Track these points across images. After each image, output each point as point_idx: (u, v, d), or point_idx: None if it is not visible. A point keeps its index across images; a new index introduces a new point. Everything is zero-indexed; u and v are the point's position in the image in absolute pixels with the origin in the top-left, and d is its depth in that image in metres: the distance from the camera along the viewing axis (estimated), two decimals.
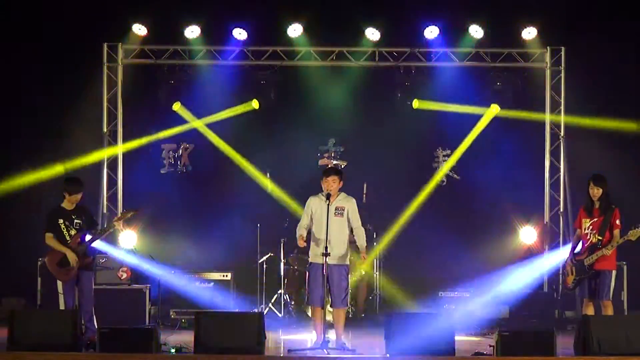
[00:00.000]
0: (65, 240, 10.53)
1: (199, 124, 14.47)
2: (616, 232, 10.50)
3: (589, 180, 10.72)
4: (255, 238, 13.69)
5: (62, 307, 10.65)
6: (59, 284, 10.61)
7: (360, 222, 10.50)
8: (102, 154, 14.30)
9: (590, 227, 10.59)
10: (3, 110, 14.14)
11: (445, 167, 14.65)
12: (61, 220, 10.58)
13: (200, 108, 14.51)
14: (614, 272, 10.57)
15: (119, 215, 10.94)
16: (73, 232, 10.58)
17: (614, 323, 9.85)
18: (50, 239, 10.55)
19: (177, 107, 14.37)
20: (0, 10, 13.72)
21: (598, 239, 10.50)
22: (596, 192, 10.59)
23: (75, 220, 10.61)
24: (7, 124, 14.24)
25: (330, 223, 10.32)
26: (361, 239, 10.48)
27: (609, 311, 10.45)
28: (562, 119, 14.38)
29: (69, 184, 10.71)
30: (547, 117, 14.43)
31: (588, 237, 10.60)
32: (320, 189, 10.54)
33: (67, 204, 10.66)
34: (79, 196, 10.68)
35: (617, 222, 10.51)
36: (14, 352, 9.49)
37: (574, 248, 10.81)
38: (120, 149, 14.45)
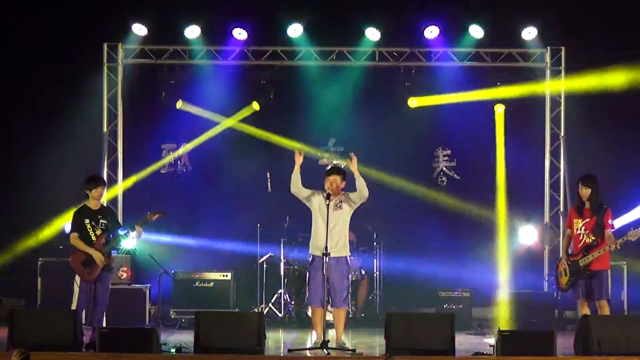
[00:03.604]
0: (90, 240, 10.54)
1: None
2: (607, 231, 10.50)
3: (578, 180, 10.73)
4: (255, 238, 13.71)
5: (74, 305, 10.61)
6: (77, 282, 10.58)
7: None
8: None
9: (583, 227, 10.60)
10: (2, 111, 14.14)
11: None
12: (87, 221, 10.59)
13: (200, 108, 14.51)
14: (609, 272, 10.60)
15: (145, 217, 10.88)
16: (99, 232, 10.58)
17: (613, 323, 9.86)
18: (75, 239, 10.55)
19: (180, 104, 14.35)
20: (0, 10, 13.72)
21: (592, 240, 10.50)
22: (585, 192, 10.60)
23: (101, 221, 10.62)
24: (6, 124, 14.24)
25: (330, 219, 10.35)
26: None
27: (606, 311, 10.47)
28: (562, 118, 14.38)
29: (87, 182, 10.72)
30: (547, 120, 14.43)
31: (581, 237, 10.60)
32: (321, 189, 10.57)
33: (92, 202, 10.67)
34: (100, 190, 10.71)
35: (609, 221, 10.53)
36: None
37: (566, 249, 10.81)
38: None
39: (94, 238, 10.54)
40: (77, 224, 10.60)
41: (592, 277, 10.51)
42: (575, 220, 10.68)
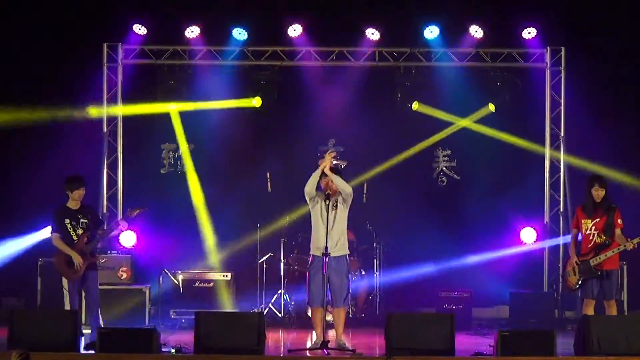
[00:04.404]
0: (72, 240, 10.54)
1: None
2: (618, 231, 10.51)
3: (591, 181, 10.69)
4: (255, 238, 13.71)
5: (67, 306, 10.65)
6: (66, 283, 10.62)
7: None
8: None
9: (593, 227, 10.58)
10: (2, 111, 14.11)
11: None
12: (67, 221, 10.58)
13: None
14: (618, 271, 10.64)
15: (126, 214, 10.96)
16: (80, 231, 10.58)
17: (614, 323, 9.85)
18: (57, 240, 10.55)
19: (175, 108, 14.33)
20: (0, 10, 13.71)
21: (604, 239, 10.49)
22: (600, 192, 10.60)
23: (82, 220, 10.61)
24: (6, 124, 14.22)
25: (329, 219, 10.36)
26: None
27: (614, 311, 10.49)
28: (562, 118, 14.37)
29: (68, 182, 10.70)
30: (547, 120, 14.43)
31: (591, 237, 10.58)
32: (320, 189, 10.57)
33: (72, 202, 10.66)
34: (81, 192, 10.67)
35: (619, 221, 10.54)
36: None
37: (573, 248, 10.80)
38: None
39: (75, 238, 10.55)
40: (57, 225, 10.60)
41: (604, 277, 10.49)
42: (583, 221, 10.65)
